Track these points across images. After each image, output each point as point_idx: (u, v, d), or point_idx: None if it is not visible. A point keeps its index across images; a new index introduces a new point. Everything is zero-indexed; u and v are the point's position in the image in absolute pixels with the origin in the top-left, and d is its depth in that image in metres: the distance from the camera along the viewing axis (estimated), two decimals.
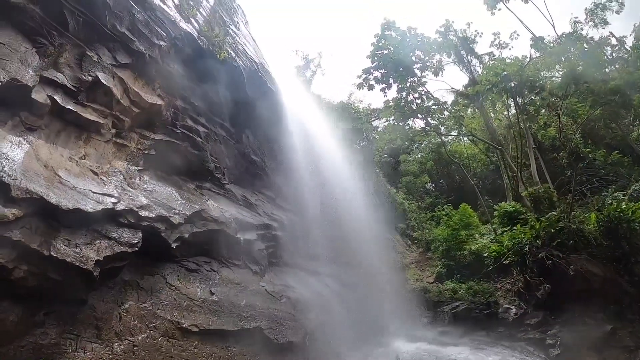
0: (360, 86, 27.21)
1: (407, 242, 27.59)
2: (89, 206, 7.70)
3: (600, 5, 27.86)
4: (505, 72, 24.32)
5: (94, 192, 8.06)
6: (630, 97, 24.52)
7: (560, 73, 25.85)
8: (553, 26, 25.12)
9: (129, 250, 8.26)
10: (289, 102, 16.18)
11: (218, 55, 12.04)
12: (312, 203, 15.83)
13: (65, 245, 7.17)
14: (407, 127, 31.66)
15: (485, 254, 20.57)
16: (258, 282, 12.04)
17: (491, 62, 29.54)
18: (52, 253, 6.89)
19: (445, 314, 18.54)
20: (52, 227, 7.12)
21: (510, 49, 32.01)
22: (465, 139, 37.80)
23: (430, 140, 37.85)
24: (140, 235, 8.60)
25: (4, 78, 7.03)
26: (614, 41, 27.84)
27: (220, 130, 12.68)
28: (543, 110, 29.53)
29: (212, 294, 10.24)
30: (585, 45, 23.67)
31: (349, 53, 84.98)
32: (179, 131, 11.05)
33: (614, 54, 27.73)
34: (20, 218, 6.65)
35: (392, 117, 31.17)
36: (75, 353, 7.26)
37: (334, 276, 15.48)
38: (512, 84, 24.52)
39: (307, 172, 15.98)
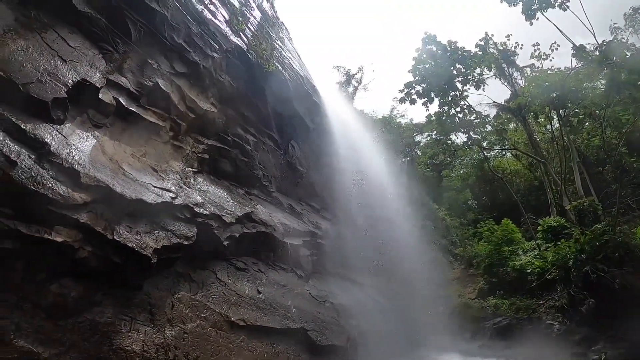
0: (402, 100, 27.24)
1: (449, 258, 27.32)
2: (150, 198, 8.34)
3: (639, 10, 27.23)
4: (547, 84, 24.09)
5: (154, 186, 8.70)
6: None
7: (603, 82, 25.22)
8: (593, 34, 24.37)
9: (184, 242, 8.83)
10: (333, 115, 16.67)
11: (266, 68, 12.72)
12: (356, 215, 16.11)
13: (127, 232, 7.77)
14: (449, 142, 31.36)
15: (529, 270, 20.23)
16: (303, 286, 12.40)
17: (533, 74, 29.16)
18: (115, 237, 7.49)
19: (486, 329, 18.22)
20: (115, 214, 7.72)
21: (551, 60, 31.27)
22: (508, 154, 37.26)
23: (473, 156, 37.42)
24: (195, 230, 9.19)
25: (75, 78, 7.82)
26: None
27: (268, 140, 13.28)
28: (587, 123, 28.89)
29: (259, 292, 10.67)
30: (626, 52, 23.09)
31: (390, 67, 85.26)
32: (230, 139, 11.69)
33: None
34: (87, 203, 7.30)
35: (434, 132, 31.02)
36: (129, 334, 7.75)
37: (376, 288, 15.63)
38: (554, 95, 24.14)
39: (351, 185, 16.31)
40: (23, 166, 6.65)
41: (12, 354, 6.33)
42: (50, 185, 6.90)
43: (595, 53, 24.42)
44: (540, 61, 29.59)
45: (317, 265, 13.67)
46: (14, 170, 6.49)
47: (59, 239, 6.88)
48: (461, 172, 39.82)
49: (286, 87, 13.71)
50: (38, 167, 6.89)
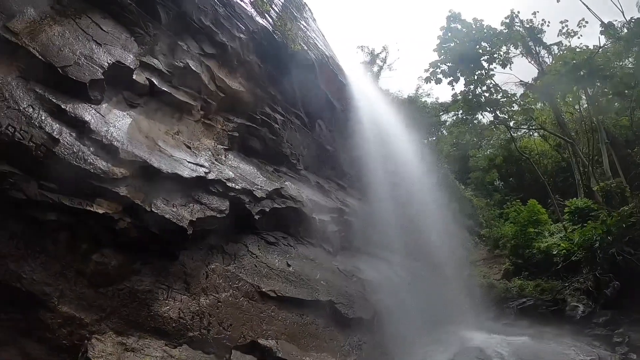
0: (427, 80, 27.37)
1: (474, 239, 27.31)
2: (185, 173, 8.80)
3: None
4: (574, 62, 23.45)
5: (189, 162, 9.13)
6: None
7: (632, 61, 24.40)
8: (622, 12, 23.55)
9: (218, 215, 9.29)
10: (359, 95, 16.81)
11: (292, 48, 12.97)
12: (383, 194, 16.23)
13: (164, 204, 8.23)
14: (475, 121, 30.91)
15: (555, 252, 20.30)
16: (331, 261, 12.73)
17: (560, 52, 28.42)
18: (152, 209, 7.95)
19: (511, 309, 18.33)
20: (152, 188, 8.18)
21: (579, 37, 30.23)
22: (536, 134, 36.74)
23: (500, 136, 36.89)
24: (228, 203, 9.64)
25: (110, 60, 8.26)
26: None
27: (295, 119, 13.57)
28: (616, 104, 28.16)
29: (289, 265, 11.04)
30: None
31: (415, 46, 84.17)
32: (259, 117, 12.04)
33: None
34: (126, 177, 7.77)
35: (460, 111, 30.47)
36: (166, 301, 8.22)
37: (402, 265, 15.79)
38: (582, 73, 23.38)
39: (378, 164, 16.40)
40: (65, 143, 7.13)
41: (56, 319, 6.84)
42: (91, 160, 7.36)
43: (623, 30, 23.78)
44: (568, 38, 28.87)
45: (345, 242, 13.94)
46: (56, 147, 6.97)
47: (100, 211, 7.35)
48: (487, 152, 39.36)
49: (312, 66, 13.93)
50: (79, 144, 7.36)
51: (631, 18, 23.36)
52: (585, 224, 19.36)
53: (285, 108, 13.20)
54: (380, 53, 39.82)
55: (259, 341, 8.59)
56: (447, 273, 18.65)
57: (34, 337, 6.70)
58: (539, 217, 23.52)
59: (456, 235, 21.14)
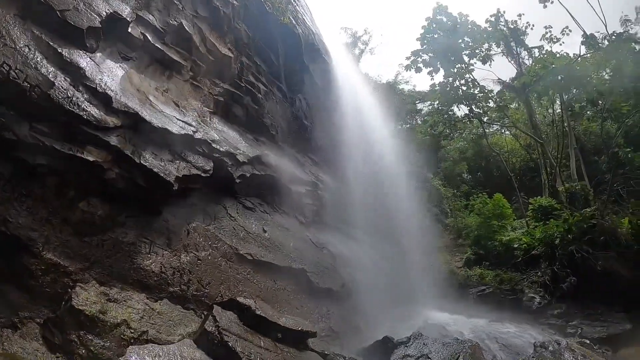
0: (408, 67, 27.64)
1: (439, 227, 27.89)
2: (175, 129, 8.88)
3: None
4: (553, 66, 24.03)
5: (178, 119, 9.23)
6: None
7: (608, 72, 25.29)
8: (605, 25, 24.31)
9: (202, 174, 9.42)
10: (340, 74, 17.02)
11: (281, 20, 13.07)
12: (355, 174, 16.53)
13: (152, 158, 8.32)
14: (450, 113, 31.45)
15: (516, 245, 20.83)
16: (304, 232, 12.98)
17: (541, 56, 29.20)
18: (141, 161, 8.04)
19: (470, 295, 18.86)
20: (142, 140, 8.25)
21: (561, 44, 30.88)
22: (507, 133, 37.52)
23: (472, 130, 37.51)
24: (212, 164, 9.77)
25: (108, 10, 8.25)
26: None
27: (277, 91, 13.67)
28: (588, 112, 29.20)
29: (265, 231, 11.26)
30: (634, 45, 23.27)
31: (397, 33, 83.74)
32: (243, 85, 12.10)
33: None
34: (117, 127, 7.82)
35: (437, 102, 30.95)
36: (149, 255, 8.35)
37: (371, 244, 16.07)
38: (560, 78, 24.25)
39: (354, 144, 16.64)
40: (60, 87, 7.12)
41: (40, 265, 6.88)
42: (84, 107, 7.37)
43: (604, 42, 24.67)
44: (550, 44, 29.40)
45: (317, 216, 14.19)
46: (51, 89, 6.96)
47: (90, 158, 7.39)
48: (459, 144, 40.02)
49: (298, 41, 14.07)
50: (73, 89, 7.35)
51: (613, 32, 24.30)
52: (548, 222, 20.03)
53: (268, 79, 13.31)
54: (362, 36, 40.14)
55: (238, 299, 8.71)
56: (413, 256, 19.02)
57: (17, 284, 6.72)
58: (503, 211, 24.05)
59: (422, 222, 21.58)
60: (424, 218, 21.97)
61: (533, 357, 10.72)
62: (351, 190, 16.25)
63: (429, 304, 16.54)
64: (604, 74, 25.09)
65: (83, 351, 6.36)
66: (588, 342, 11.72)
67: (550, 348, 10.79)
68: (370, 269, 14.71)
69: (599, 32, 25.11)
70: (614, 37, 23.44)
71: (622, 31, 24.84)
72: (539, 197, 25.03)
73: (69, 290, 6.94)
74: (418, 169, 26.98)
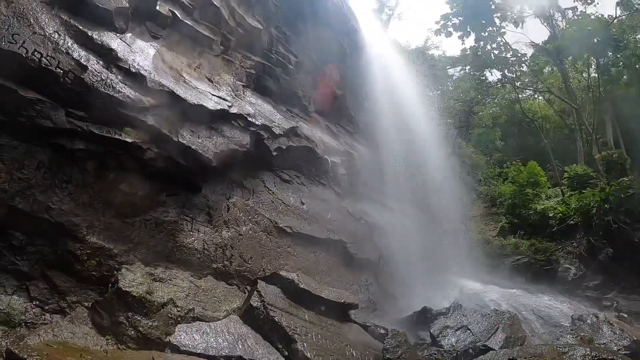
0: (437, 32, 26.94)
1: (472, 195, 27.57)
2: (210, 105, 8.83)
3: None
4: (589, 29, 23.21)
5: (212, 94, 9.14)
6: None
7: None
8: None
9: (240, 149, 9.38)
10: (369, 41, 16.65)
11: None
12: (389, 143, 16.33)
13: (190, 135, 8.28)
14: (482, 78, 30.66)
15: (551, 214, 20.61)
16: (340, 203, 12.87)
17: (575, 18, 28.11)
18: (179, 139, 8.01)
19: (505, 265, 18.70)
20: (178, 118, 8.19)
21: (596, 5, 29.56)
22: (540, 98, 36.56)
23: (504, 96, 36.60)
24: (248, 138, 9.71)
25: None
26: None
27: (307, 61, 13.43)
28: (625, 76, 28.11)
29: (303, 203, 11.22)
30: None
31: None
32: (274, 57, 11.93)
33: None
34: (154, 106, 7.77)
35: (468, 67, 30.40)
36: (191, 232, 8.39)
37: (405, 213, 15.91)
38: (595, 41, 23.29)
39: (386, 112, 16.44)
40: (93, 70, 7.10)
41: (85, 249, 6.94)
42: (119, 88, 7.34)
43: None
44: (584, 5, 28.47)
45: (352, 186, 13.99)
46: (84, 73, 6.94)
47: (128, 139, 7.37)
48: (491, 110, 39.12)
49: (326, 9, 13.76)
50: (107, 71, 7.33)
51: None
52: (584, 191, 19.62)
53: (298, 49, 13.04)
54: (388, 1, 39.13)
55: (280, 273, 8.79)
56: (446, 225, 18.96)
57: (63, 269, 6.79)
58: (538, 179, 23.62)
59: (455, 190, 21.31)
60: (457, 186, 21.63)
61: (572, 330, 10.65)
62: (384, 158, 16.05)
63: (463, 273, 16.48)
64: None
65: (132, 332, 6.44)
66: (626, 316, 11.49)
67: (589, 321, 10.78)
68: (405, 239, 14.55)
69: None
70: None
71: None
72: (574, 165, 24.47)
73: (115, 272, 7.02)
74: (450, 136, 26.52)
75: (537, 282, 16.39)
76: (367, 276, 12.25)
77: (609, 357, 7.16)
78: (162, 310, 6.88)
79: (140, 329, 6.51)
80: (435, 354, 8.75)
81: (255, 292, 7.93)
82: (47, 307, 6.40)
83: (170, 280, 7.60)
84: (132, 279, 7.00)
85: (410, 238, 14.95)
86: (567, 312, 12.38)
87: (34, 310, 6.26)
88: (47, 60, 6.53)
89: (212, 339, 6.84)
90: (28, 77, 6.37)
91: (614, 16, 24.98)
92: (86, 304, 6.74)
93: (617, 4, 24.58)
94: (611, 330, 9.97)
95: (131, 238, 7.53)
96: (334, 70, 14.44)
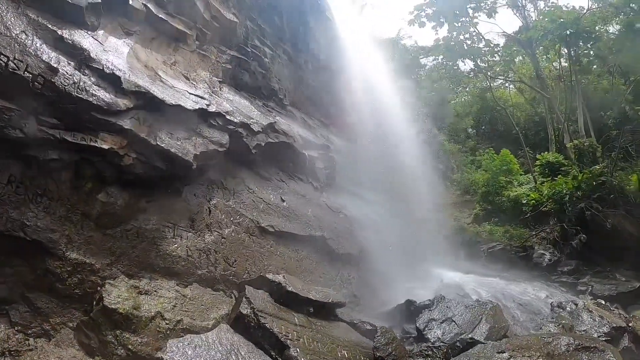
0: (411, 22, 27.21)
1: (446, 183, 27.92)
2: (188, 104, 8.42)
3: None
4: (561, 20, 23.68)
5: (190, 93, 8.73)
6: None
7: (617, 28, 24.96)
8: None
9: (219, 149, 9.03)
10: (343, 31, 16.53)
11: None
12: (363, 134, 16.40)
13: (169, 138, 7.88)
14: (455, 68, 31.08)
15: (524, 201, 21.07)
16: (319, 197, 12.73)
17: (547, 9, 28.63)
18: (157, 143, 7.60)
19: (481, 252, 18.98)
20: (156, 121, 7.80)
21: None
22: (512, 86, 37.27)
23: (476, 85, 37.16)
24: (227, 137, 9.35)
25: None
26: None
27: (282, 54, 13.14)
28: (595, 67, 28.82)
29: (283, 201, 11.00)
30: None
31: None
32: (249, 50, 11.59)
33: None
34: (130, 109, 7.35)
35: (441, 56, 30.72)
36: (174, 239, 8.05)
37: (381, 204, 15.87)
38: (567, 32, 23.82)
39: (359, 102, 16.39)
40: (64, 73, 6.65)
41: (66, 267, 6.58)
42: (93, 91, 6.91)
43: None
44: None
45: (330, 179, 13.86)
46: (56, 77, 6.49)
47: (105, 146, 6.97)
48: (464, 99, 39.65)
49: (302, 1, 13.55)
50: (79, 73, 6.88)
51: None
52: (555, 178, 20.08)
53: (273, 42, 12.79)
54: None
55: (267, 276, 8.54)
56: (421, 214, 19.04)
57: (44, 289, 6.42)
58: (510, 166, 24.22)
59: (429, 178, 21.45)
60: (430, 174, 21.79)
61: (552, 317, 10.83)
62: (360, 149, 16.08)
63: (441, 263, 16.60)
64: (612, 28, 24.67)
65: (122, 351, 6.10)
66: (604, 302, 11.76)
67: (568, 308, 10.97)
68: (383, 230, 14.58)
69: None
70: None
71: None
72: (546, 152, 24.98)
73: (99, 288, 6.68)
74: (423, 124, 26.65)
75: (513, 268, 16.65)
76: (349, 270, 12.15)
77: (591, 345, 7.25)
78: (150, 324, 6.57)
79: (130, 346, 6.20)
80: (425, 350, 8.70)
81: (244, 299, 7.65)
82: (30, 332, 6.05)
83: (155, 291, 7.27)
84: (117, 294, 6.65)
85: (388, 229, 14.94)
86: (545, 298, 12.59)
87: (16, 336, 5.90)
88: (15, 64, 6.05)
89: (204, 352, 6.54)
90: None
91: (586, 8, 25.66)
92: (71, 324, 6.39)
93: None
94: (591, 318, 10.10)
95: (112, 250, 7.17)
96: (308, 62, 14.24)
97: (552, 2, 29.13)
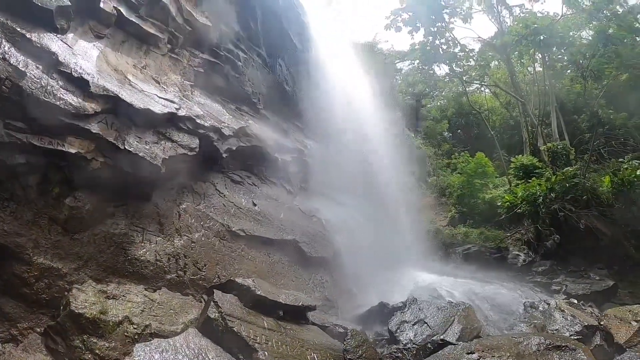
0: (387, 27, 27.54)
1: (421, 186, 28.23)
2: (157, 108, 8.36)
3: None
4: (535, 25, 24.26)
5: (159, 97, 8.69)
6: None
7: (590, 33, 25.68)
8: None
9: (189, 153, 8.99)
10: (319, 36, 16.71)
11: None
12: (338, 138, 16.48)
13: (137, 142, 7.86)
14: (431, 72, 31.55)
15: (499, 203, 21.43)
16: (292, 201, 12.79)
17: (522, 15, 29.29)
18: (125, 147, 7.57)
19: (457, 254, 19.26)
20: (124, 125, 7.76)
21: (542, 3, 30.81)
22: (487, 91, 37.87)
23: (452, 89, 37.69)
24: (197, 141, 9.33)
25: None
26: None
27: (257, 58, 13.17)
28: (569, 71, 29.46)
29: (255, 205, 11.03)
30: (618, 7, 23.42)
31: None
32: (223, 54, 11.59)
33: None
34: (98, 113, 7.31)
35: (417, 61, 31.29)
36: (142, 244, 8.03)
37: (357, 208, 16.09)
38: (541, 38, 24.40)
39: (335, 105, 16.56)
40: (32, 76, 6.58)
41: (33, 271, 6.57)
42: (60, 95, 6.87)
43: (586, 3, 24.72)
44: (531, 2, 29.78)
45: (304, 183, 14.04)
46: (23, 80, 6.42)
47: (72, 150, 6.96)
48: (439, 103, 40.18)
49: (277, 3, 13.62)
50: (47, 77, 6.82)
51: None
52: (530, 180, 20.56)
53: (247, 45, 12.81)
54: None
55: (236, 280, 8.60)
56: (397, 217, 19.24)
57: (11, 294, 6.41)
58: (485, 169, 24.76)
59: (405, 181, 21.66)
60: (406, 177, 22.01)
61: (525, 317, 11.02)
62: (335, 153, 16.12)
63: (416, 265, 16.75)
64: (585, 34, 25.34)
65: (89, 356, 6.09)
66: (576, 301, 11.99)
67: (540, 308, 11.14)
68: (358, 234, 14.74)
69: None
70: None
71: None
72: (520, 155, 25.51)
73: (66, 293, 6.66)
74: (399, 128, 26.91)
75: (488, 269, 16.83)
76: (322, 274, 12.18)
77: (563, 344, 7.42)
78: (117, 329, 6.56)
79: (97, 351, 6.18)
80: (395, 352, 8.84)
81: (212, 303, 7.70)
82: None
83: (124, 296, 7.25)
84: (85, 299, 6.63)
85: (363, 232, 15.09)
86: (519, 298, 12.76)
87: None
88: None
89: (171, 356, 6.58)
90: None
91: (560, 14, 26.22)
92: (38, 329, 6.38)
93: (563, 2, 25.78)
94: (563, 317, 10.26)
95: (80, 255, 7.15)
96: (283, 66, 14.29)
97: (527, 9, 29.81)
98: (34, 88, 6.51)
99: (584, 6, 24.75)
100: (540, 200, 18.34)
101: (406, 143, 27.78)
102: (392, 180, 20.04)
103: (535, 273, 16.54)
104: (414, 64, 32.51)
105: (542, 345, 7.31)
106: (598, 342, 9.18)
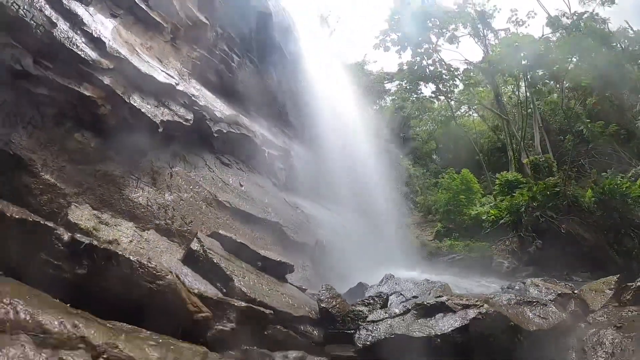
0: (376, 46, 29.34)
1: (409, 205, 28.98)
2: (160, 77, 9.85)
3: None
4: (516, 44, 25.24)
5: (162, 70, 10.16)
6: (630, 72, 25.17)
7: (573, 55, 26.35)
8: (569, 7, 26.52)
9: (184, 123, 10.35)
10: (311, 51, 18.20)
11: None
12: (327, 148, 17.36)
13: (140, 100, 9.22)
14: (418, 92, 32.25)
15: (484, 218, 22.03)
16: (278, 192, 13.87)
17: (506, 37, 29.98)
18: (130, 101, 8.95)
19: (441, 262, 19.46)
20: (131, 85, 9.17)
21: (526, 27, 31.88)
22: (475, 115, 38.80)
23: (440, 112, 38.21)
24: (192, 115, 10.69)
25: None
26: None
27: (249, 63, 14.56)
28: (555, 95, 30.23)
29: (242, 185, 12.12)
30: (592, 22, 24.65)
31: (364, 15, 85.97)
32: (218, 53, 13.06)
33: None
34: (110, 69, 8.70)
35: (405, 81, 32.08)
36: (136, 189, 9.14)
37: (341, 214, 16.91)
38: (523, 54, 25.20)
39: (324, 120, 17.59)
40: (61, 28, 7.99)
41: (38, 184, 7.56)
42: (82, 47, 8.29)
43: (567, 23, 26.16)
44: (516, 26, 31.10)
45: (289, 181, 15.05)
46: (54, 29, 7.81)
47: (87, 93, 8.26)
48: (428, 125, 40.63)
49: (269, 15, 15.13)
50: (73, 32, 8.24)
51: (574, 11, 26.22)
52: (514, 194, 21.19)
53: (241, 50, 14.22)
54: (328, 17, 40.33)
55: (220, 231, 9.47)
56: (384, 230, 19.80)
57: (16, 200, 7.10)
58: (471, 185, 25.21)
59: (393, 199, 22.27)
60: (393, 194, 22.69)
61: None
62: (323, 164, 16.99)
63: (399, 267, 17.01)
64: (571, 58, 26.10)
65: None
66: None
67: (517, 287, 11.53)
68: (342, 235, 15.41)
69: (565, 14, 27.09)
70: (574, 16, 24.96)
71: (583, 11, 26.42)
72: (505, 172, 26.31)
73: (64, 209, 7.66)
74: (388, 148, 27.69)
75: (471, 273, 17.08)
76: (304, 259, 12.89)
77: (533, 301, 7.78)
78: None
79: None
80: (366, 299, 8.86)
81: (195, 238, 8.51)
82: None
83: (115, 225, 8.19)
84: (81, 215, 7.66)
85: (347, 235, 15.75)
86: (499, 289, 13.12)
87: None
88: (23, 12, 7.32)
89: None
90: (6, 23, 7.12)
91: (542, 35, 27.65)
92: None
93: (546, 24, 27.48)
94: (537, 290, 10.05)
95: (81, 183, 8.20)
96: (274, 76, 15.57)
97: (512, 32, 30.84)
98: (62, 37, 7.91)
99: (564, 25, 26.07)
100: (523, 209, 19.15)
101: (394, 162, 28.42)
102: (379, 193, 20.77)
103: (519, 277, 16.53)
104: (402, 84, 33.60)
105: (512, 300, 7.57)
106: (573, 308, 9.39)
